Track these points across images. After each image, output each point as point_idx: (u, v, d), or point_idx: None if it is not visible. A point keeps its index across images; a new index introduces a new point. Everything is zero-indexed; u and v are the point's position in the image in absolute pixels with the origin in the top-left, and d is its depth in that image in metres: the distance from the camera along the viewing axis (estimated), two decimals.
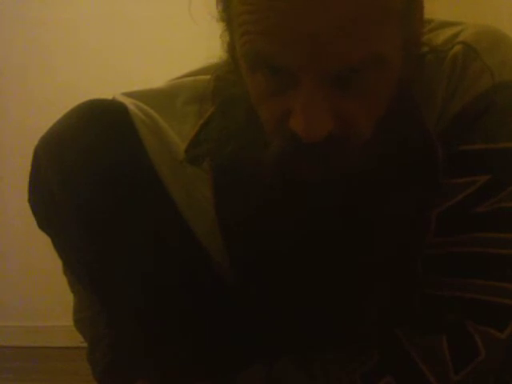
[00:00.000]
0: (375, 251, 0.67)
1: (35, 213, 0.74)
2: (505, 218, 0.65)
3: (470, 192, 0.65)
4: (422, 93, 0.66)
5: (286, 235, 0.66)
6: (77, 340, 0.83)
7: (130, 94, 0.76)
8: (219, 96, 0.71)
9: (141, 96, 0.75)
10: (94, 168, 0.69)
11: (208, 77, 0.74)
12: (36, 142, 0.73)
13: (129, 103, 0.73)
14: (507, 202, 0.65)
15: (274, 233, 0.66)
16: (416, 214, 0.66)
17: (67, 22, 2.38)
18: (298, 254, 0.67)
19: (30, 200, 0.74)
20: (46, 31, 2.40)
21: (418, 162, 0.65)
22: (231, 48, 0.64)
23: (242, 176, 0.67)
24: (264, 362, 0.70)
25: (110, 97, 0.76)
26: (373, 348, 0.68)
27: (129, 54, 2.31)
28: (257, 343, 0.70)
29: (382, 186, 0.64)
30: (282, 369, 0.69)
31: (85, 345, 0.82)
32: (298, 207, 0.64)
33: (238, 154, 0.68)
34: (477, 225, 0.65)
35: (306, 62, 0.55)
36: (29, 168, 0.73)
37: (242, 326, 0.71)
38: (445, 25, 0.71)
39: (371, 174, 0.61)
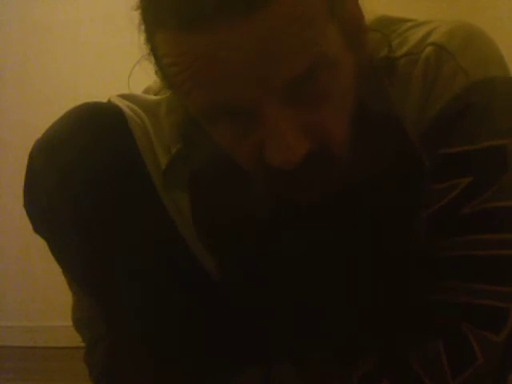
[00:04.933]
0: (366, 259, 0.66)
1: (31, 217, 0.73)
2: (491, 218, 0.64)
3: (455, 195, 0.64)
4: (397, 98, 0.66)
5: (275, 250, 0.66)
6: (77, 340, 0.82)
7: (125, 97, 0.76)
8: (190, 124, 0.69)
9: (135, 100, 0.75)
10: (90, 169, 0.68)
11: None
12: None
13: (123, 105, 0.73)
14: (492, 202, 0.64)
15: (266, 247, 0.66)
16: (404, 222, 0.66)
17: (67, 23, 2.38)
18: (288, 267, 0.67)
19: (25, 204, 0.73)
20: (46, 31, 2.40)
21: (403, 169, 0.65)
22: (185, 108, 0.64)
23: (220, 199, 0.67)
24: (262, 365, 0.70)
25: (109, 97, 0.76)
26: (370, 352, 0.67)
27: (129, 55, 2.31)
28: (255, 345, 0.70)
29: (369, 197, 0.63)
30: (280, 372, 0.69)
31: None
32: (289, 223, 0.63)
33: (215, 181, 0.68)
34: (463, 227, 0.65)
35: (261, 92, 0.54)
36: None
37: (240, 327, 0.71)
38: (418, 24, 0.69)
39: (358, 186, 0.61)
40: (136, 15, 0.60)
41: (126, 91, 0.78)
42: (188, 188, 0.70)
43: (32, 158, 0.71)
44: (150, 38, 0.59)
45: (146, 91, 0.80)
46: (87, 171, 0.68)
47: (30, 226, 0.74)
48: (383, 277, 0.67)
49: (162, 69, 0.59)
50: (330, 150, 0.58)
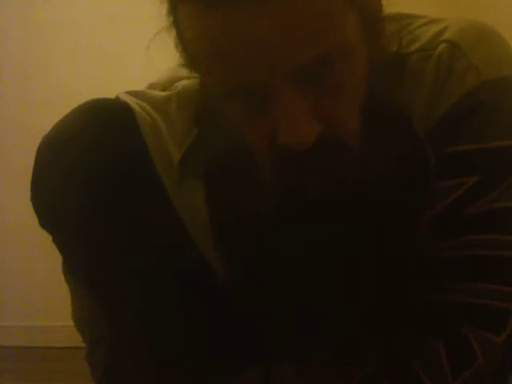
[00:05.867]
0: (367, 259, 0.66)
1: (37, 212, 0.73)
2: (496, 218, 0.64)
3: (461, 193, 0.64)
4: (407, 93, 0.66)
5: (281, 247, 0.66)
6: (77, 340, 0.82)
7: (133, 94, 0.76)
8: (203, 114, 0.70)
9: (144, 96, 0.75)
10: (91, 169, 0.68)
11: (196, 81, 0.73)
12: (36, 142, 0.72)
13: (132, 102, 0.73)
14: (498, 202, 0.64)
15: (269, 246, 0.66)
16: (406, 221, 0.66)
17: (67, 23, 2.38)
18: (292, 265, 0.67)
19: (32, 198, 0.73)
20: (46, 31, 2.40)
21: (409, 166, 0.65)
22: (200, 84, 0.64)
23: (235, 189, 0.67)
24: (262, 365, 0.70)
25: (117, 93, 0.76)
26: (370, 354, 0.67)
27: (129, 55, 2.31)
28: (255, 345, 0.70)
29: (373, 196, 0.63)
30: (280, 372, 0.69)
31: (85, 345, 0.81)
32: (294, 220, 0.63)
33: (230, 170, 0.68)
34: (468, 227, 0.64)
35: (275, 73, 0.54)
36: (29, 167, 0.73)
37: (241, 327, 0.71)
38: (432, 21, 0.70)
39: (363, 184, 0.61)
40: None
41: (125, 91, 0.78)
42: (204, 177, 0.70)
43: (39, 153, 0.71)
44: (173, 10, 0.58)
45: (151, 87, 0.79)
46: (88, 171, 0.68)
47: (30, 227, 0.74)
48: (384, 277, 0.67)
49: (182, 42, 0.59)
50: (340, 136, 0.59)
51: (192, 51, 0.58)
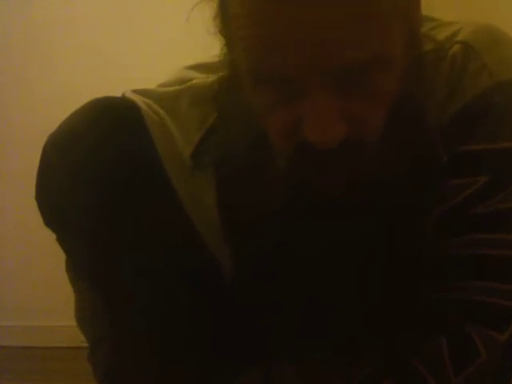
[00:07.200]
0: (384, 256, 0.66)
1: (41, 210, 0.73)
2: (504, 218, 0.65)
3: (470, 193, 0.65)
4: (421, 93, 0.66)
5: (292, 245, 0.65)
6: (77, 340, 0.82)
7: (140, 92, 0.76)
8: (221, 104, 0.70)
9: (150, 94, 0.75)
10: (96, 169, 0.68)
11: (208, 79, 0.73)
12: (36, 141, 0.72)
13: (139, 101, 0.73)
14: (506, 202, 0.64)
15: (280, 243, 0.66)
16: (417, 221, 0.66)
17: (67, 22, 2.38)
18: (302, 263, 0.66)
19: (37, 197, 0.73)
20: (46, 31, 2.40)
21: (422, 164, 0.65)
22: (231, 63, 0.64)
23: (246, 185, 0.67)
24: (262, 365, 0.70)
25: (124, 91, 0.76)
26: (372, 352, 0.67)
27: (129, 54, 2.31)
28: (256, 345, 0.70)
29: (386, 195, 0.63)
30: (280, 372, 0.69)
31: (85, 344, 0.81)
32: (307, 217, 0.63)
33: (243, 164, 0.67)
34: (476, 226, 0.65)
35: (313, 69, 0.54)
36: (29, 167, 0.73)
37: (244, 327, 0.71)
38: (445, 24, 0.71)
39: (377, 183, 0.61)
40: None
41: (126, 90, 0.77)
42: (215, 173, 0.70)
43: (44, 152, 0.71)
44: None
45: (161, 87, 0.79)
46: (94, 170, 0.68)
47: (30, 227, 0.74)
48: (394, 276, 0.67)
49: (225, 15, 0.59)
50: (363, 140, 0.59)
51: (235, 26, 0.58)
